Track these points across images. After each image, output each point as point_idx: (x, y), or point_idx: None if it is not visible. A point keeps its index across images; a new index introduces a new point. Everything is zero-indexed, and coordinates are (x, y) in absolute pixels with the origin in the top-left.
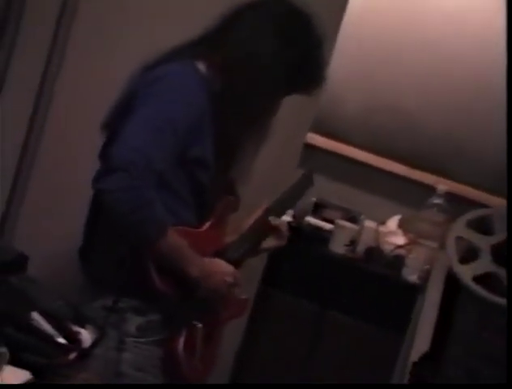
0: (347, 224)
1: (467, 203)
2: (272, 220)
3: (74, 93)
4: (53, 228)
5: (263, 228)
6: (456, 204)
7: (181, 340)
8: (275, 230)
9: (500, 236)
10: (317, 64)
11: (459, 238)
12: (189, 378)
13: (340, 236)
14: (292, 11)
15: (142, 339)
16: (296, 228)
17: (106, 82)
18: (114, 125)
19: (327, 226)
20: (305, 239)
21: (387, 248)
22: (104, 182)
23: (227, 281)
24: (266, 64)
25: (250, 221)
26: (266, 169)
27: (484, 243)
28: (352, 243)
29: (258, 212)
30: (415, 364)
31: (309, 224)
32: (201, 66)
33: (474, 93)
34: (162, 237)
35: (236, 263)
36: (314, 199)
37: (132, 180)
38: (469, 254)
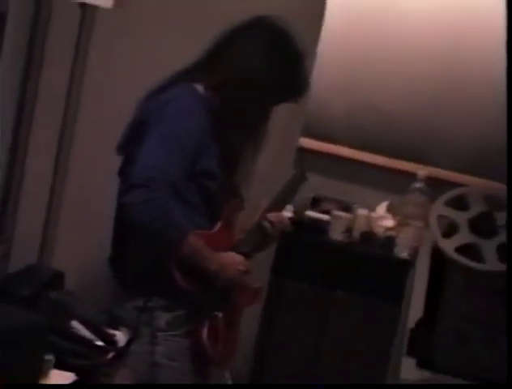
0: (343, 214)
1: (444, 185)
2: (273, 215)
3: (97, 118)
4: (85, 243)
5: (264, 227)
6: (435, 186)
7: (205, 330)
8: (275, 225)
9: (475, 210)
10: (301, 75)
11: (440, 216)
12: (215, 361)
13: (337, 225)
14: (275, 31)
15: (171, 333)
16: (298, 221)
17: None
18: (129, 146)
19: (325, 217)
20: (306, 230)
21: (379, 231)
22: (128, 197)
23: (240, 269)
24: (256, 81)
25: (255, 219)
26: (265, 172)
27: (461, 218)
28: (348, 230)
29: (261, 210)
30: (412, 330)
31: (309, 217)
32: (199, 88)
33: (446, 86)
34: (182, 240)
35: (247, 257)
36: (312, 195)
37: (152, 193)
38: (450, 229)
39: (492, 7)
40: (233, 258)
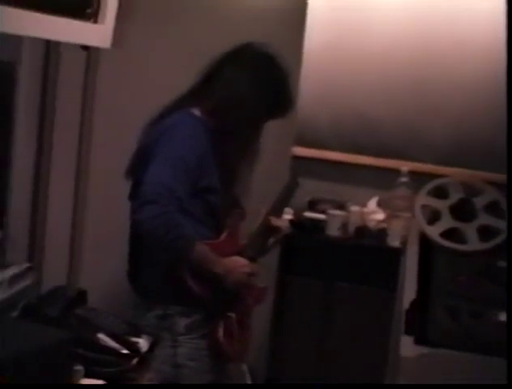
0: (337, 212)
1: (425, 177)
2: (273, 220)
3: (110, 145)
4: (105, 264)
5: (267, 229)
6: (417, 180)
7: (221, 330)
8: (276, 229)
9: (454, 198)
10: (286, 94)
11: (424, 206)
12: (232, 357)
13: (333, 222)
14: (260, 56)
15: (190, 336)
16: (298, 223)
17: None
18: (137, 171)
19: (322, 217)
20: (306, 230)
21: (372, 224)
22: (141, 214)
23: (245, 272)
24: (246, 104)
25: (256, 225)
26: (263, 182)
27: (443, 206)
28: (344, 226)
29: (261, 217)
30: (407, 311)
31: (308, 218)
32: (196, 112)
33: (421, 92)
34: (192, 248)
35: (252, 260)
36: (308, 198)
37: (162, 208)
38: (433, 217)
39: (467, 11)
40: (238, 262)
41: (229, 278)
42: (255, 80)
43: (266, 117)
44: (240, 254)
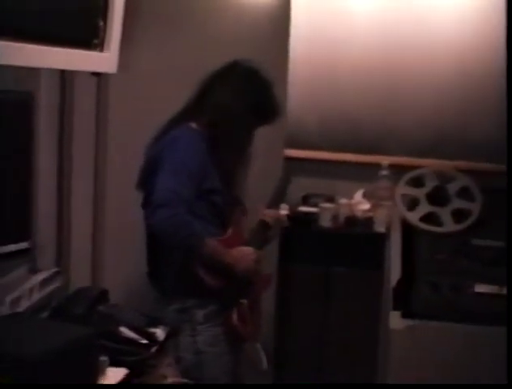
0: (328, 205)
1: (403, 169)
2: (270, 212)
3: (123, 159)
4: (125, 264)
5: (266, 224)
6: (397, 172)
7: (235, 316)
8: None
9: (430, 186)
10: (273, 103)
11: (403, 194)
12: (246, 338)
13: (325, 214)
14: (245, 72)
15: (208, 324)
16: (294, 216)
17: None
18: (147, 182)
19: (315, 210)
20: (301, 222)
21: (359, 214)
22: (154, 217)
23: (252, 259)
24: (237, 113)
25: (256, 220)
26: (259, 181)
27: (420, 194)
28: (334, 217)
29: (259, 212)
30: (394, 288)
31: (302, 212)
32: (194, 125)
33: (395, 93)
34: (202, 244)
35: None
36: (302, 194)
37: (172, 209)
38: (412, 204)
39: (436, 13)
40: (245, 251)
41: (238, 266)
42: (242, 93)
43: (255, 124)
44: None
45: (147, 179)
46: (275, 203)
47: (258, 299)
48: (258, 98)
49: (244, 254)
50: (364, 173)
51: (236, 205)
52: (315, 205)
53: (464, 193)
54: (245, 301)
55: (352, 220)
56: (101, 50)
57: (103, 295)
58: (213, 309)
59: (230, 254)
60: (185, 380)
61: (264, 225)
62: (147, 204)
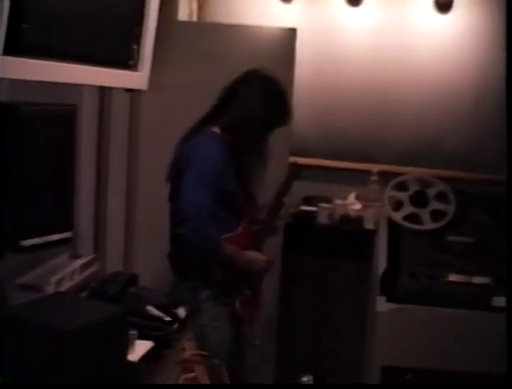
0: (326, 205)
1: (390, 175)
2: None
3: (155, 161)
4: (153, 252)
5: (275, 208)
6: (384, 178)
7: (238, 302)
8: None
9: (412, 190)
10: (286, 107)
11: (390, 197)
12: (247, 322)
13: (323, 213)
14: (264, 79)
15: (211, 302)
16: (296, 214)
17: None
18: (174, 177)
19: (314, 209)
20: (303, 220)
21: (352, 213)
22: (181, 229)
23: (262, 266)
24: (255, 119)
25: (266, 210)
26: (268, 184)
27: (404, 196)
28: (331, 215)
29: (269, 204)
30: (381, 277)
31: (303, 211)
32: (216, 130)
33: (384, 106)
34: (220, 253)
35: (264, 240)
36: (303, 196)
37: (196, 226)
38: (397, 205)
39: (418, 35)
40: (257, 257)
41: (249, 270)
42: (261, 99)
43: (271, 127)
44: (255, 237)
45: (175, 175)
46: (282, 193)
47: (260, 287)
48: (275, 103)
49: (255, 258)
50: (356, 179)
51: (250, 201)
52: (314, 205)
53: (441, 196)
54: (248, 292)
55: (345, 218)
56: (135, 70)
57: (133, 278)
58: (216, 291)
59: (243, 259)
60: (202, 352)
61: (274, 210)
62: (172, 200)
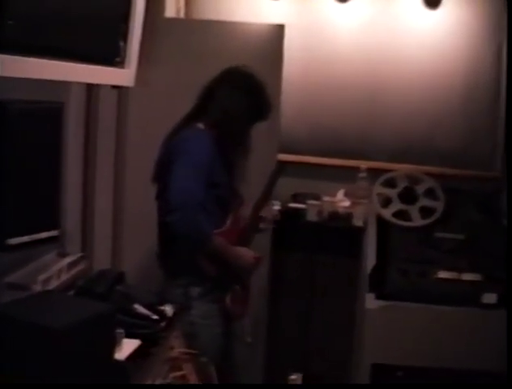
0: (314, 202)
1: (378, 172)
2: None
3: (142, 159)
4: (140, 250)
5: (257, 217)
6: (373, 174)
7: (228, 298)
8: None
9: (401, 186)
10: (265, 101)
11: (379, 194)
12: (237, 317)
13: (312, 210)
14: (242, 75)
15: (201, 300)
16: (285, 212)
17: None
18: (161, 177)
19: (303, 206)
20: (291, 217)
21: (341, 210)
22: (171, 217)
23: (251, 262)
24: (237, 113)
25: (252, 208)
26: (256, 181)
27: (393, 193)
28: (320, 212)
29: (256, 201)
30: (370, 274)
31: (292, 208)
32: (201, 125)
33: (372, 104)
34: (209, 245)
35: (251, 237)
36: (292, 193)
37: (186, 213)
38: (386, 202)
39: (407, 35)
40: (246, 252)
41: (237, 265)
42: (240, 95)
43: (252, 121)
44: (243, 231)
45: (161, 174)
46: (267, 193)
47: (249, 283)
48: (254, 98)
49: (244, 254)
50: (345, 175)
51: (236, 197)
52: (303, 202)
53: (430, 193)
54: (238, 287)
55: (334, 215)
56: (122, 67)
57: (121, 276)
58: (207, 288)
59: (232, 254)
60: (190, 350)
61: (256, 219)
62: (160, 197)
